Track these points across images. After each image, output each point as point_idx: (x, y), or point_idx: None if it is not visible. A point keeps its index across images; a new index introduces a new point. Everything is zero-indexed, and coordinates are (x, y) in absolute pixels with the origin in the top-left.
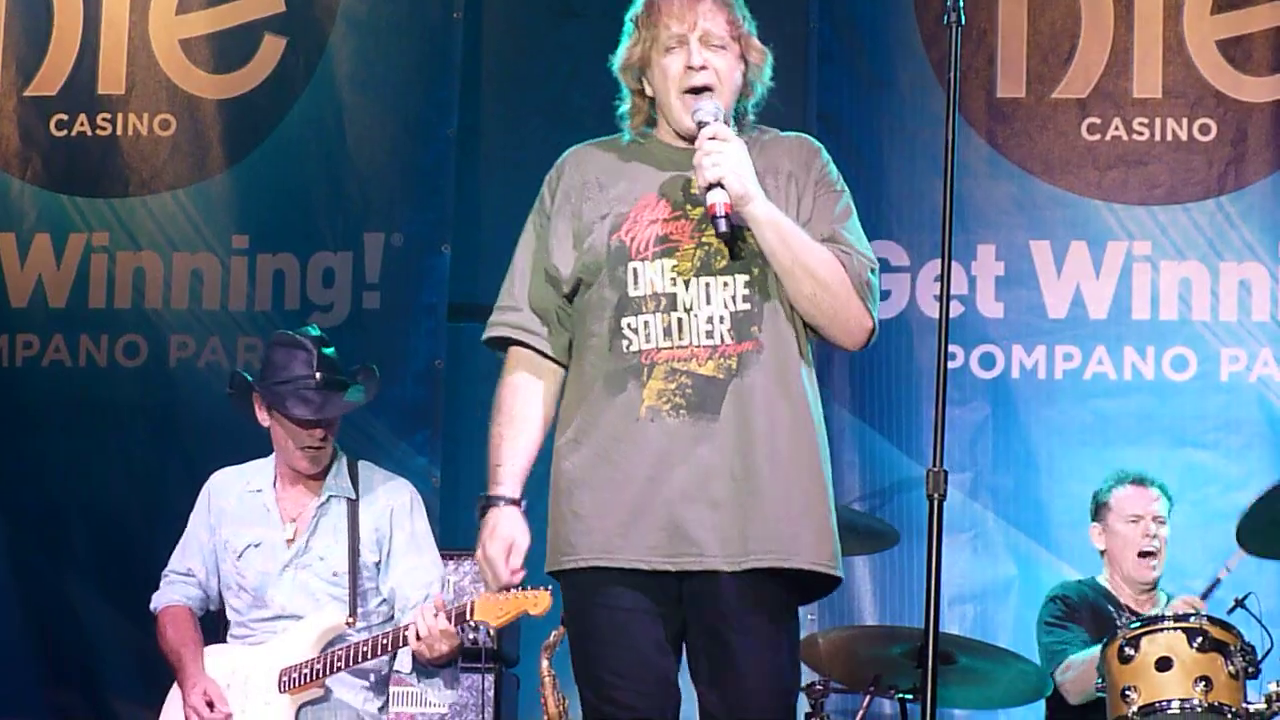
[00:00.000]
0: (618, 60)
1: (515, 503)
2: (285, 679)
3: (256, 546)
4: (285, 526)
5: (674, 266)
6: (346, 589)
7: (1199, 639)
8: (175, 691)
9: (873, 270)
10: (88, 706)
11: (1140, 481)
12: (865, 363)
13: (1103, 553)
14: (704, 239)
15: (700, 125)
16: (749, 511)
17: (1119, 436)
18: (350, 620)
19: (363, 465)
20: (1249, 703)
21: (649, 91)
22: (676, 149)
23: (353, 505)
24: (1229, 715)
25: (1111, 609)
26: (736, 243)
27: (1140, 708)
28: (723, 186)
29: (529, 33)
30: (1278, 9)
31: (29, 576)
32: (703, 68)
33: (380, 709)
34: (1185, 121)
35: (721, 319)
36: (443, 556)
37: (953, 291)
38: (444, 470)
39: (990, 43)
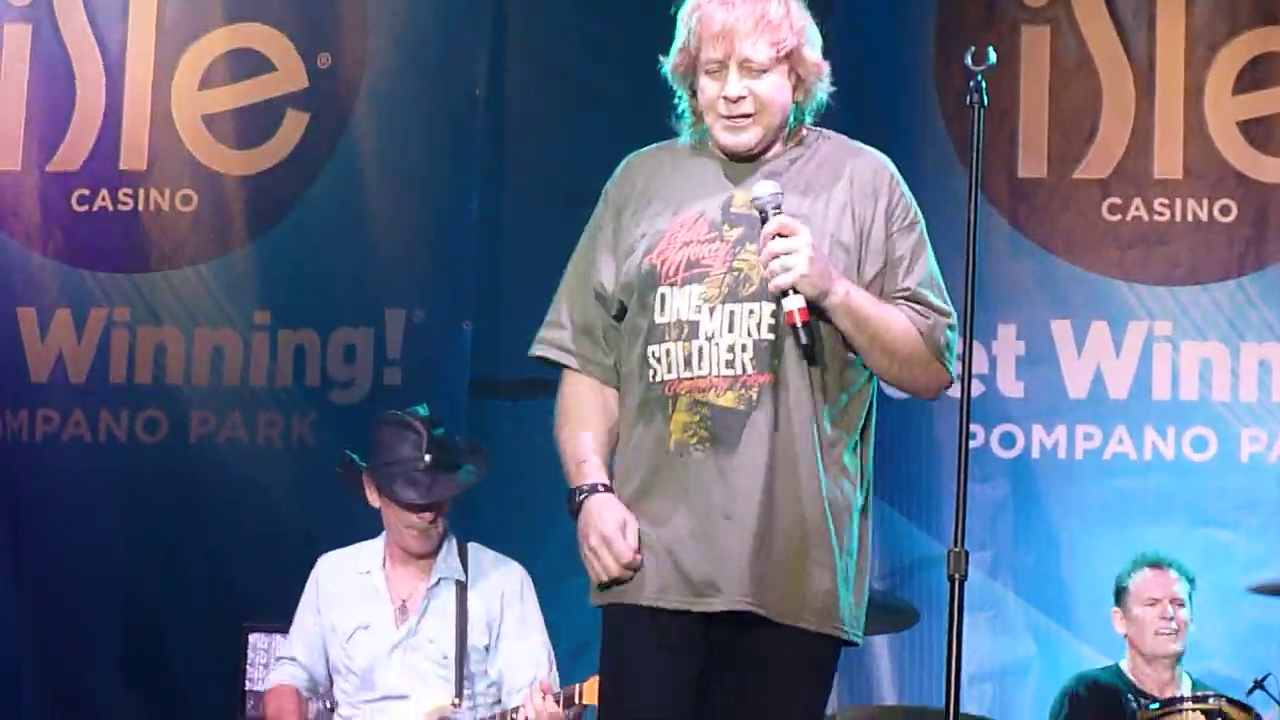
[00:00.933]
0: (667, 62)
1: (610, 489)
2: None
3: (366, 629)
4: (395, 608)
5: (702, 293)
6: (454, 671)
7: None
8: None
9: (950, 328)
10: None
11: (1157, 564)
12: (886, 442)
13: (1125, 637)
14: (735, 263)
15: (761, 215)
16: (761, 558)
17: (1139, 516)
18: (456, 702)
19: (472, 547)
20: None
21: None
22: (724, 160)
23: (462, 587)
24: None
25: (1130, 697)
26: (816, 342)
27: None
28: (797, 291)
29: (550, 118)
30: None
31: (49, 652)
32: (740, 98)
33: None
34: (1206, 202)
35: (744, 347)
36: None
37: (974, 371)
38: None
39: (1011, 122)
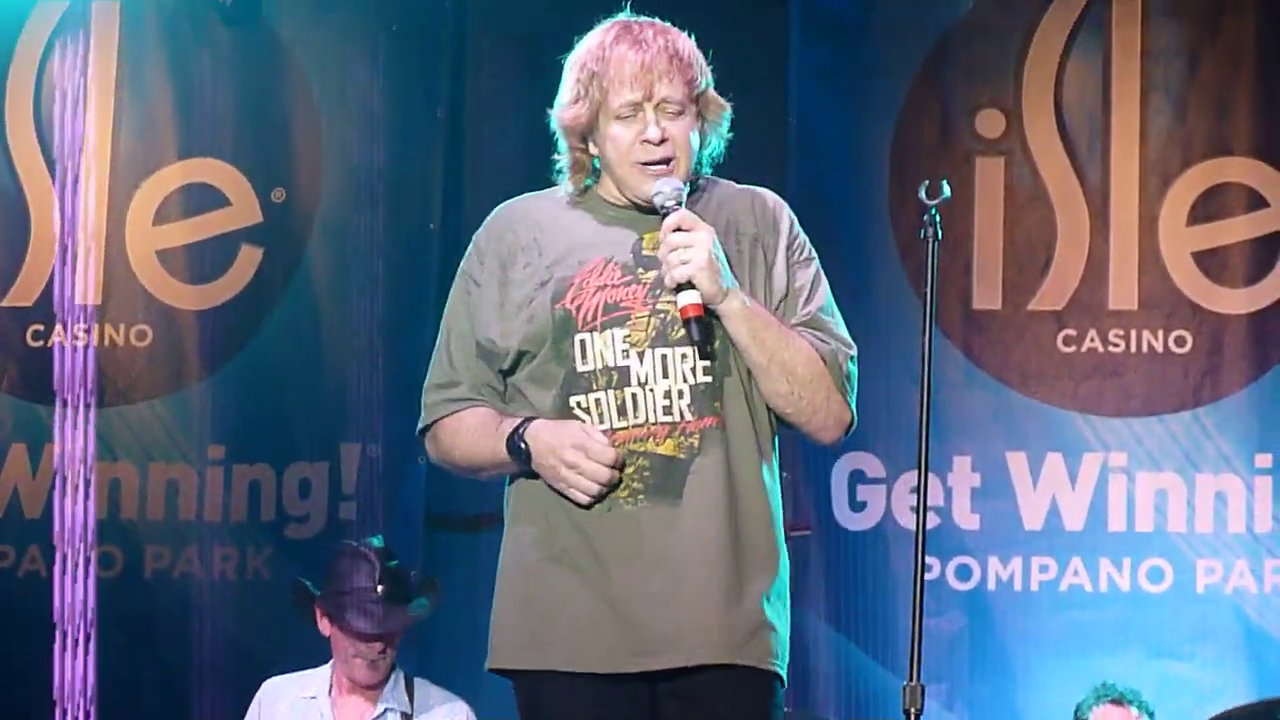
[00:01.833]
0: (556, 116)
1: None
2: None
3: None
4: None
5: (626, 337)
6: None
7: None
8: None
9: (852, 359)
10: None
11: (1119, 700)
12: (841, 573)
13: None
14: (659, 306)
15: (662, 211)
16: (714, 603)
17: (1095, 648)
18: None
19: (419, 682)
20: None
21: (594, 151)
22: (621, 207)
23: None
24: None
25: None
26: (710, 342)
27: None
28: (693, 286)
29: None
30: (1253, 221)
31: None
32: (662, 140)
33: None
34: (1161, 333)
35: (680, 393)
36: None
37: (929, 503)
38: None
39: (966, 253)
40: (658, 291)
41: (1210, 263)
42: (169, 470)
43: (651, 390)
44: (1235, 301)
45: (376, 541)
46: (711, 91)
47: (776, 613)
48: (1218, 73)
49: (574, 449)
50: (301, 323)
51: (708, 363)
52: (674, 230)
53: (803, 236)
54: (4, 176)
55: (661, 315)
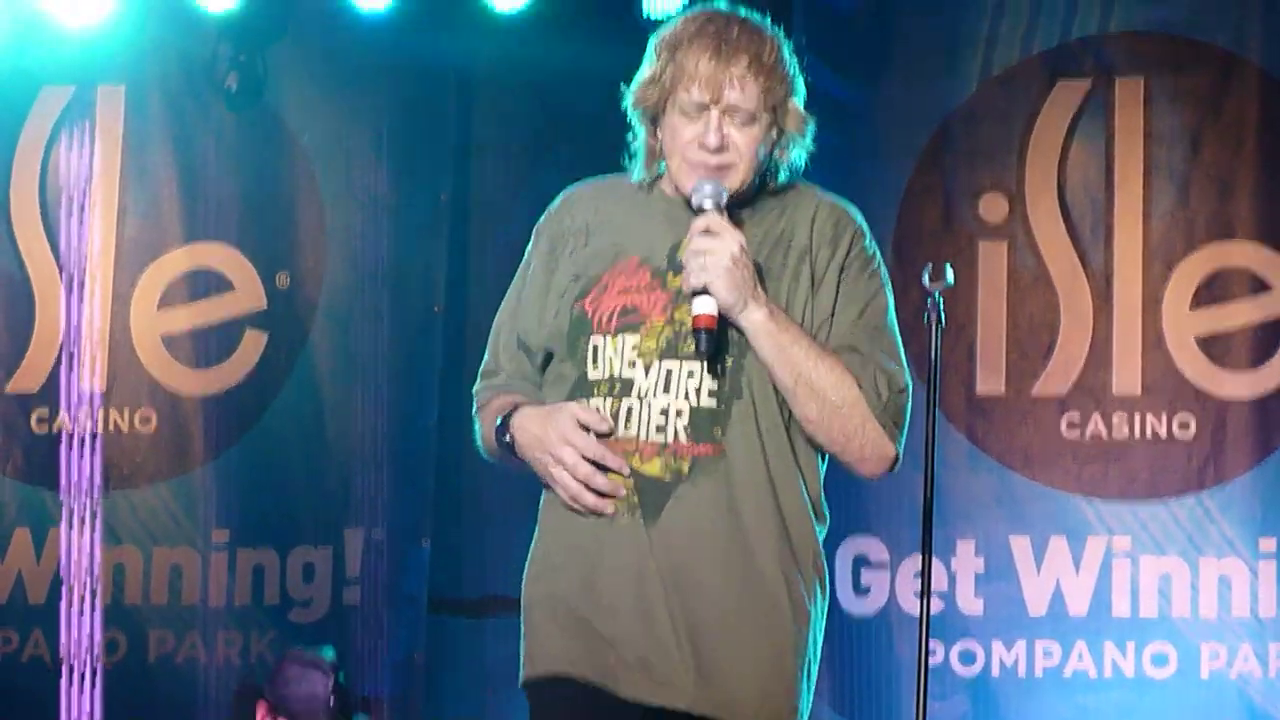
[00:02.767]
0: (630, 93)
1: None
2: None
3: None
4: None
5: (635, 345)
6: None
7: None
8: None
9: (901, 391)
10: None
11: None
12: (845, 658)
13: None
14: (677, 314)
15: (697, 210)
16: (701, 650)
17: None
18: None
19: None
20: None
21: (661, 135)
22: (675, 202)
23: None
24: None
25: None
26: (719, 356)
27: None
28: (710, 293)
29: None
30: (1257, 304)
31: None
32: (720, 149)
33: None
34: (1165, 417)
35: (679, 412)
36: None
37: (933, 587)
38: None
39: (969, 337)
40: (679, 301)
41: (1214, 347)
42: (173, 554)
43: (649, 404)
44: (1239, 386)
45: (328, 654)
46: (794, 102)
47: (782, 681)
48: (1221, 155)
49: (566, 445)
50: (305, 407)
51: (715, 384)
52: (701, 233)
53: (868, 256)
54: (9, 262)
55: (677, 326)
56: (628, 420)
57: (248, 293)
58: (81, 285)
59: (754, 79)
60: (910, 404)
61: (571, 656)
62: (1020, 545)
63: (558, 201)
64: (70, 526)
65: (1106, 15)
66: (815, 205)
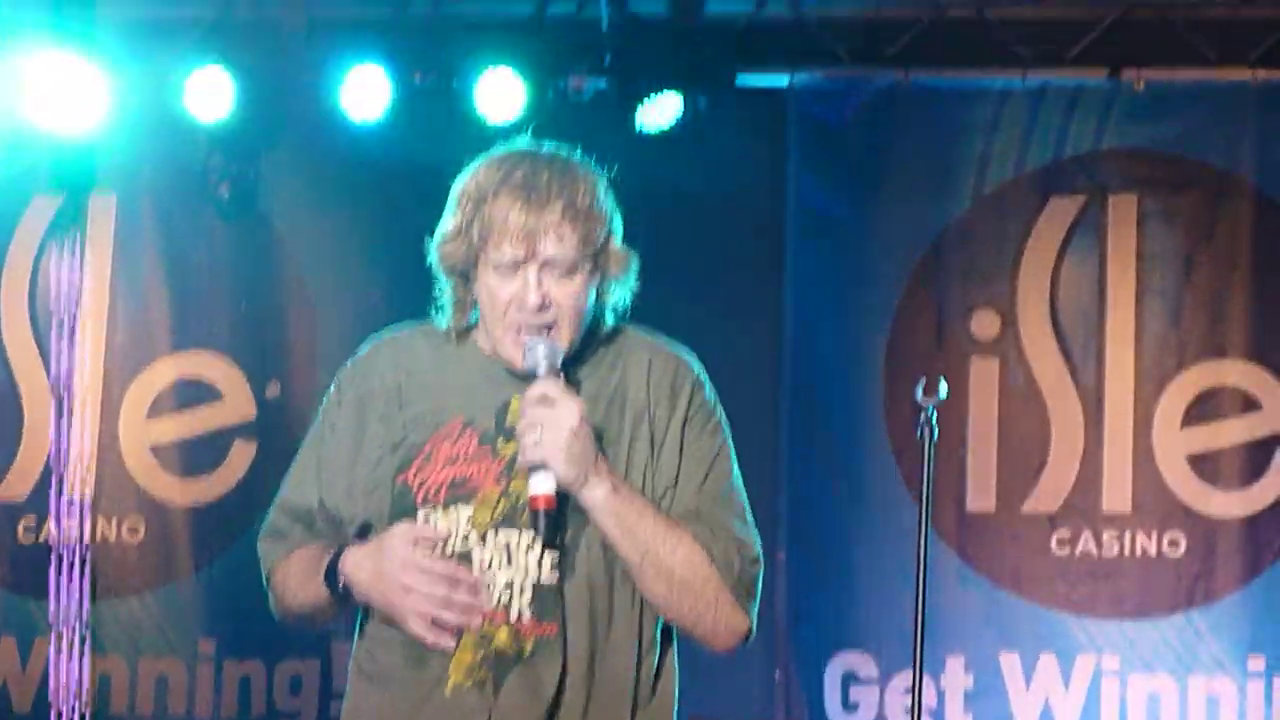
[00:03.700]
0: (435, 248)
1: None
2: None
3: None
4: None
5: (470, 517)
6: None
7: None
8: None
9: (754, 561)
10: None
11: None
12: None
13: None
14: (511, 487)
15: (529, 375)
16: None
17: None
18: None
19: None
20: None
21: (474, 295)
22: (498, 364)
23: None
24: None
25: None
26: (559, 536)
27: None
28: (547, 469)
29: None
30: (1247, 423)
31: None
32: (542, 308)
33: None
34: (1155, 535)
35: (521, 590)
36: None
37: (923, 704)
38: None
39: (960, 455)
40: (513, 470)
41: (1204, 466)
42: (159, 665)
43: (494, 576)
44: (1229, 505)
45: None
46: (615, 244)
47: None
48: (1213, 276)
49: (406, 569)
50: None
51: (556, 556)
52: (536, 401)
53: (709, 410)
54: None
55: (513, 497)
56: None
57: (237, 402)
58: (69, 392)
59: (570, 227)
60: (762, 573)
61: None
62: (1010, 663)
63: (364, 352)
64: (59, 651)
65: (1100, 133)
66: (649, 357)
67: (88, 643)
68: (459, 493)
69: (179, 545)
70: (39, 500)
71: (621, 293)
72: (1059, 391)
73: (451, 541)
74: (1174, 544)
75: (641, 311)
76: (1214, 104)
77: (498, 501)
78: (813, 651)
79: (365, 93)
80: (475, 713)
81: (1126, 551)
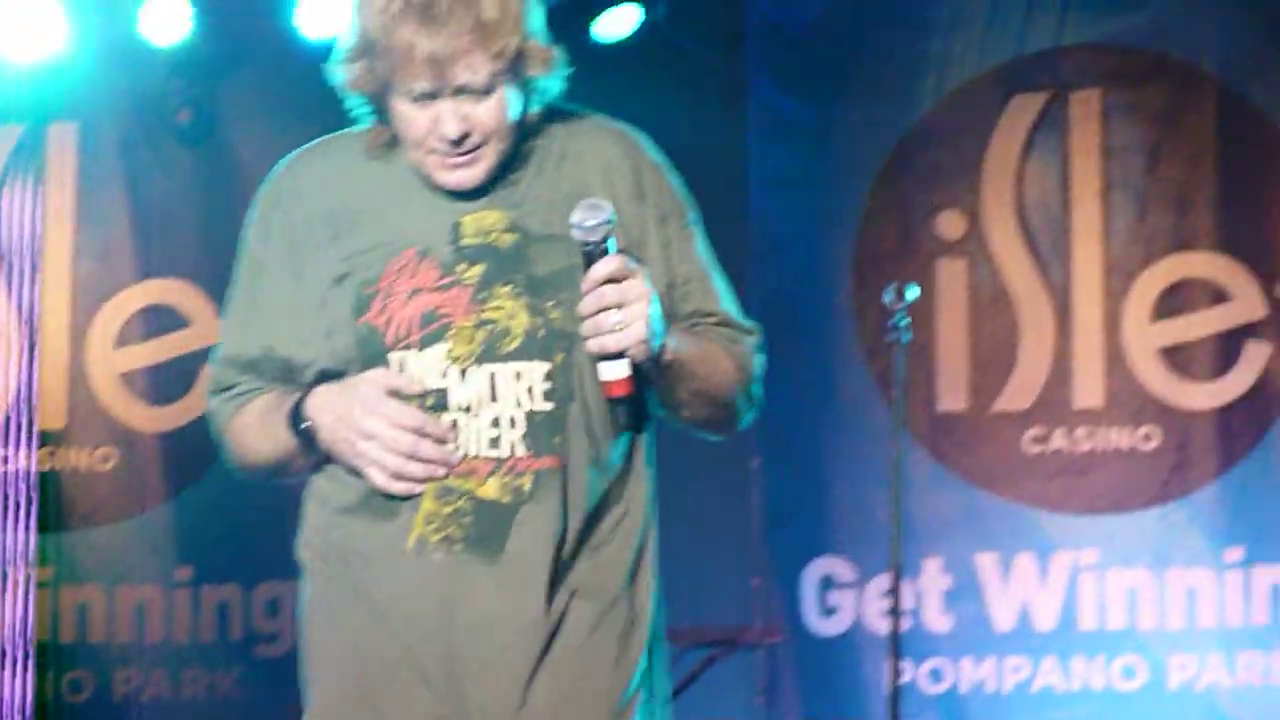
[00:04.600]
0: (339, 70)
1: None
2: None
3: None
4: None
5: (448, 352)
6: None
7: None
8: None
9: (759, 348)
10: None
11: None
12: (813, 679)
13: None
14: (485, 313)
15: (586, 252)
16: (537, 678)
17: None
18: None
19: None
20: None
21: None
22: (430, 180)
23: None
24: None
25: None
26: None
27: None
28: (623, 355)
29: None
30: (1218, 314)
31: None
32: (463, 137)
33: None
34: (1128, 430)
35: (513, 422)
36: None
37: (901, 606)
38: None
39: (931, 356)
40: (483, 295)
41: (1175, 358)
42: (136, 592)
43: (476, 417)
44: (1201, 396)
45: None
46: (533, 44)
47: (604, 697)
48: (1178, 168)
49: (371, 415)
50: None
51: (550, 384)
52: (606, 281)
53: (671, 191)
54: None
55: (490, 326)
56: (455, 437)
57: (204, 327)
58: (35, 325)
59: (481, 48)
60: (763, 351)
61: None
62: (987, 562)
63: (280, 174)
64: (4, 590)
65: (1061, 28)
66: (599, 145)
67: (32, 580)
68: (432, 329)
69: (152, 473)
70: (12, 431)
71: (553, 84)
72: (1027, 289)
73: (428, 382)
74: (1148, 438)
75: None
76: None
77: (475, 333)
78: (789, 557)
79: (321, 9)
80: (450, 569)
81: (1100, 447)
